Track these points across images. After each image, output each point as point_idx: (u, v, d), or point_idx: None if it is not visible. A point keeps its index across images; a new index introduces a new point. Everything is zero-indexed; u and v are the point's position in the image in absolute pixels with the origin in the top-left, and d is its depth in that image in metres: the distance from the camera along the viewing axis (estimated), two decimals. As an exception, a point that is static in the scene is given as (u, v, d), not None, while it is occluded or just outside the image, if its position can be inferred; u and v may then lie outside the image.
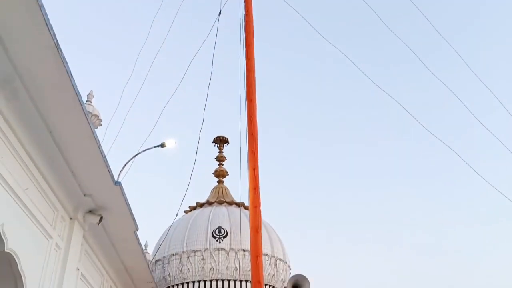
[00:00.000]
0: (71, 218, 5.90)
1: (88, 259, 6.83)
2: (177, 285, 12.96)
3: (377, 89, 8.77)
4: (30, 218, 4.84)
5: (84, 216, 6.12)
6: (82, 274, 6.47)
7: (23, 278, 4.62)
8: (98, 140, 4.97)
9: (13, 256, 4.46)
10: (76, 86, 4.30)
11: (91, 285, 6.94)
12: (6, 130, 4.27)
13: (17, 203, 4.55)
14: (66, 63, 4.10)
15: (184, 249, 13.17)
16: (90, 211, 6.21)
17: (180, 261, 13.02)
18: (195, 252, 13.02)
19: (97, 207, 6.20)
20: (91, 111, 7.56)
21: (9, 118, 4.33)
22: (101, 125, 8.25)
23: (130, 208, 6.36)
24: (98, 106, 8.48)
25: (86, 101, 7.60)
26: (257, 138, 8.79)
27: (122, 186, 5.87)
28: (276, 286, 13.38)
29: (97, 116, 7.99)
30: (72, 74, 4.25)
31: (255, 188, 9.47)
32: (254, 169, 8.91)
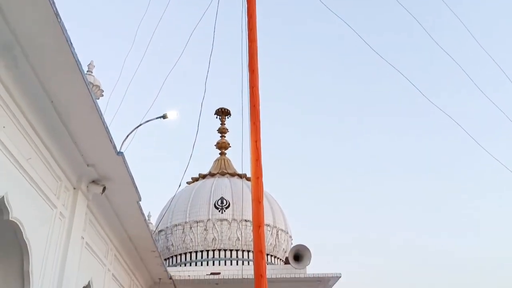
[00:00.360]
0: (74, 188, 5.94)
1: (93, 228, 6.91)
2: (180, 254, 13.19)
3: (382, 62, 8.66)
4: (33, 188, 4.87)
5: (87, 186, 6.16)
6: (86, 243, 6.56)
7: (28, 246, 4.68)
8: (100, 110, 4.95)
9: (18, 225, 4.52)
10: (76, 54, 4.26)
11: (96, 254, 7.05)
12: (7, 99, 4.25)
13: (20, 172, 4.57)
14: (66, 30, 4.04)
15: (187, 220, 13.33)
16: (93, 181, 6.25)
17: (183, 231, 13.20)
18: (197, 222, 13.18)
19: (100, 177, 6.23)
20: (92, 81, 7.51)
21: (9, 87, 4.30)
22: (102, 95, 8.21)
23: (133, 178, 6.39)
24: (99, 77, 8.43)
25: (87, 71, 7.55)
26: (259, 110, 8.74)
27: (124, 156, 5.88)
28: (277, 256, 13.60)
29: (98, 86, 7.94)
30: (72, 42, 4.20)
31: (257, 160, 9.49)
32: (256, 141, 8.90)
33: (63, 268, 5.48)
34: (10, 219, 4.38)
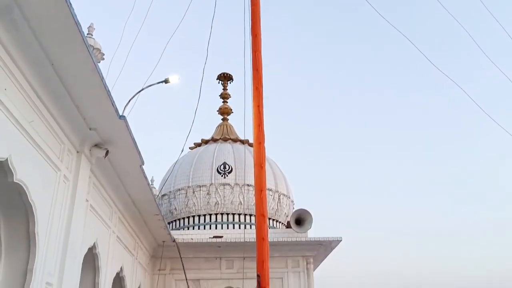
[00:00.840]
0: (77, 152, 5.98)
1: (96, 191, 7.00)
2: (183, 218, 13.38)
3: (390, 28, 8.52)
4: (37, 150, 4.91)
5: (90, 150, 6.20)
6: (91, 206, 6.66)
7: (33, 207, 4.76)
8: (101, 73, 4.92)
9: (22, 187, 4.57)
10: (76, 16, 4.19)
11: (100, 216, 7.17)
12: (7, 61, 4.22)
13: (23, 135, 4.59)
14: (65, -9, 3.96)
15: (190, 184, 13.46)
16: (96, 145, 6.28)
17: (186, 196, 13.35)
18: (200, 187, 13.31)
19: (103, 141, 6.26)
20: (92, 44, 7.42)
21: (10, 50, 4.26)
22: (103, 59, 8.14)
23: (135, 142, 6.42)
24: (99, 41, 8.33)
25: (87, 33, 7.45)
26: (261, 74, 8.67)
27: (126, 120, 5.89)
28: (279, 220, 13.80)
29: (99, 49, 7.86)
30: (71, 3, 4.13)
31: (259, 125, 9.49)
32: (258, 106, 8.87)
33: (69, 230, 5.59)
34: (15, 181, 4.44)
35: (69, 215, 5.66)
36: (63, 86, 5.07)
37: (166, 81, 11.44)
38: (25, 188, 4.60)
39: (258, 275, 8.62)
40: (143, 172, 7.43)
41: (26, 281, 4.68)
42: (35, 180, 4.82)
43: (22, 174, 4.51)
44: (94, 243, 6.82)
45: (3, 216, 4.89)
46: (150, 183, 9.90)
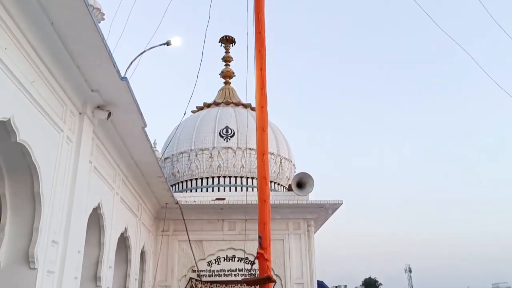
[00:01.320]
0: (80, 113, 5.97)
1: (100, 153, 7.04)
2: (186, 181, 13.52)
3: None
4: (39, 111, 4.90)
5: (92, 112, 6.19)
6: (95, 167, 6.72)
7: (37, 168, 4.80)
8: (101, 32, 4.84)
9: (26, 147, 4.60)
10: (75, -28, 4.09)
11: (104, 178, 7.24)
12: (7, 19, 4.15)
13: (25, 95, 4.58)
14: None
15: (192, 147, 13.53)
16: (99, 107, 6.26)
17: (188, 159, 13.44)
18: (203, 150, 13.37)
19: (105, 103, 6.24)
20: (92, 3, 7.28)
21: (9, 8, 4.18)
22: (103, 19, 8.01)
23: (138, 104, 6.40)
24: (100, 1, 8.17)
25: (87, -7, 7.29)
26: (264, 37, 8.53)
27: (128, 81, 5.85)
28: (281, 183, 13.93)
29: (98, 9, 7.72)
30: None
31: (262, 88, 9.43)
32: (261, 69, 8.78)
33: (73, 190, 5.66)
34: (18, 141, 4.46)
35: (73, 175, 5.71)
36: (63, 46, 5.01)
37: (168, 44, 11.30)
38: (28, 149, 4.62)
39: (259, 237, 8.78)
40: (146, 135, 7.45)
41: (32, 240, 4.78)
42: (38, 141, 4.85)
43: (25, 134, 4.52)
44: (99, 203, 6.92)
45: (8, 176, 4.94)
46: (153, 146, 9.96)
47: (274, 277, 9.17)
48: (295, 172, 14.01)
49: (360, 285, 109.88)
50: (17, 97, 4.46)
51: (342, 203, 11.70)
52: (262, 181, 9.26)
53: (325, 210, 12.08)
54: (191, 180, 13.37)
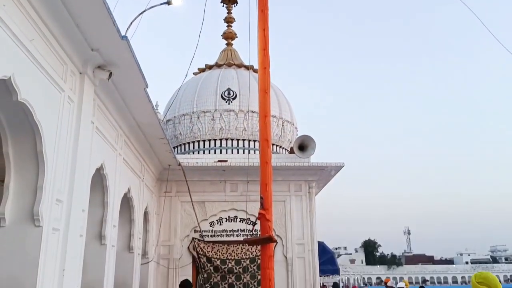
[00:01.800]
0: (80, 73, 5.92)
1: (102, 114, 7.03)
2: (188, 143, 13.57)
3: None
4: (40, 70, 4.86)
5: (93, 72, 6.13)
6: (97, 128, 6.73)
7: (39, 127, 4.80)
8: (101, -11, 4.73)
9: (27, 106, 4.59)
10: None
11: (107, 138, 7.26)
12: (3, -25, 4.05)
13: (25, 53, 4.53)
14: None
15: (194, 110, 13.50)
16: (99, 67, 6.20)
17: (190, 121, 13.43)
18: (205, 112, 13.35)
19: (106, 63, 6.18)
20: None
21: (4, -37, 4.07)
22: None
23: (139, 65, 6.33)
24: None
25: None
26: (267, -4, 8.34)
27: (129, 40, 5.76)
28: (283, 146, 13.97)
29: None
30: None
31: (264, 49, 9.31)
32: (264, 29, 8.64)
33: (76, 150, 5.69)
34: (19, 100, 4.44)
35: (76, 135, 5.72)
36: (61, 3, 4.91)
37: (168, 3, 11.06)
38: (30, 108, 4.61)
39: (261, 197, 8.89)
40: (147, 95, 7.41)
41: (36, 198, 4.85)
42: (40, 100, 4.83)
43: (26, 93, 4.50)
44: (102, 164, 6.97)
45: (10, 136, 4.96)
46: (155, 108, 9.93)
47: (275, 237, 9.36)
48: (297, 135, 14.04)
49: (360, 247, 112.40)
50: (17, 55, 4.41)
51: (343, 166, 11.77)
52: (264, 143, 9.30)
53: (326, 173, 12.17)
54: (193, 142, 13.41)
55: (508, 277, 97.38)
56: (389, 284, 14.00)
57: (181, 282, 8.47)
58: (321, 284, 15.85)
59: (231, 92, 13.49)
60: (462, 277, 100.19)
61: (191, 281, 10.35)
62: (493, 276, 3.61)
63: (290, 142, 13.82)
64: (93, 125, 6.53)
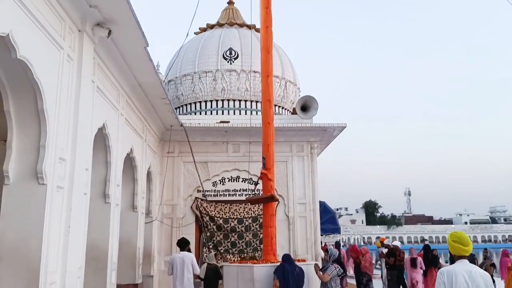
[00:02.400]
0: (79, 31, 5.81)
1: (102, 73, 6.96)
2: (190, 104, 13.51)
3: None
4: (38, 27, 4.77)
5: (92, 29, 6.02)
6: (97, 87, 6.67)
7: (39, 85, 4.76)
8: None
9: (26, 64, 4.53)
10: None
11: (108, 98, 7.22)
12: None
13: (22, 10, 4.42)
14: None
15: (196, 70, 13.36)
16: (98, 24, 6.08)
17: (192, 81, 13.31)
18: (206, 73, 13.21)
19: (105, 20, 6.06)
20: None
21: None
22: None
23: (138, 22, 6.21)
24: None
25: None
26: (270, -49, 8.11)
27: (128, -4, 5.62)
28: (285, 107, 13.90)
29: None
30: None
31: (267, 7, 9.13)
32: (266, -14, 8.43)
33: (77, 109, 5.66)
34: (18, 57, 4.38)
35: (76, 94, 5.68)
36: (58, -44, 4.77)
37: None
38: (29, 65, 4.56)
39: (263, 157, 8.95)
40: (148, 54, 7.31)
41: (39, 156, 4.86)
42: (39, 58, 4.76)
43: (25, 50, 4.44)
44: (103, 123, 6.96)
45: (11, 94, 4.92)
46: (156, 68, 9.82)
47: (277, 196, 9.46)
48: (299, 95, 13.93)
49: (361, 207, 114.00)
50: (15, 11, 4.32)
51: (346, 126, 11.75)
52: (266, 103, 9.27)
53: (329, 133, 12.17)
54: (195, 103, 13.34)
55: (506, 237, 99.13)
56: (385, 242, 14.30)
57: (178, 240, 8.58)
58: (323, 244, 16.10)
59: (233, 52, 13.30)
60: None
61: (190, 239, 10.55)
62: (466, 235, 4.08)
63: (293, 103, 13.74)
64: (93, 84, 6.47)
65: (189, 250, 8.29)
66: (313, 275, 7.61)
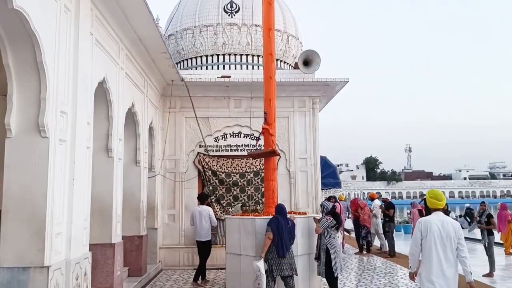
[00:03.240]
0: (76, -20, 5.66)
1: (101, 26, 6.82)
2: (191, 58, 13.34)
3: None
4: (33, -24, 4.64)
5: (89, -21, 5.86)
6: (96, 40, 6.56)
7: (37, 37, 4.68)
8: None
9: (23, 14, 4.44)
10: None
11: (108, 52, 7.11)
12: None
13: (15, -43, 4.29)
14: None
15: (196, 24, 13.11)
16: (95, -26, 5.92)
17: (192, 36, 13.09)
18: (207, 26, 12.97)
19: (102, -30, 5.88)
20: None
21: None
22: None
23: (136, -28, 6.03)
24: None
25: None
26: None
27: None
28: (287, 62, 13.73)
29: None
30: None
31: (268, -43, 8.81)
32: None
33: (77, 62, 5.60)
34: (15, 7, 4.28)
35: (75, 46, 5.61)
36: None
37: None
38: (26, 16, 4.46)
39: (265, 112, 8.93)
40: (147, 6, 7.14)
41: (40, 109, 4.86)
42: (35, 8, 4.65)
43: (20, 0, 4.33)
44: (104, 77, 6.90)
45: (10, 47, 4.86)
46: (156, 21, 9.62)
47: (278, 151, 9.51)
48: (301, 50, 13.71)
49: (361, 164, 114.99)
50: (7, -42, 4.18)
51: (348, 81, 11.64)
52: (268, 57, 9.14)
53: (331, 88, 12.07)
54: (195, 57, 13.17)
55: (505, 192, 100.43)
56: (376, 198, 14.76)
57: (198, 195, 9.95)
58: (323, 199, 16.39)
59: (234, 5, 12.99)
60: (459, 192, 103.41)
61: (192, 194, 11.05)
62: (440, 192, 4.96)
63: (295, 58, 13.55)
64: (92, 36, 6.36)
65: (208, 204, 9.53)
66: (314, 228, 7.79)
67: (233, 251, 7.71)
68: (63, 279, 5.24)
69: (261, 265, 6.76)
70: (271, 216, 7.35)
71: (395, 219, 15.54)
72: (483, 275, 9.79)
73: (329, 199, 12.95)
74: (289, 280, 6.91)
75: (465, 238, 17.17)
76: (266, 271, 6.77)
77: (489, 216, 10.58)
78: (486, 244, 10.31)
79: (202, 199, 9.47)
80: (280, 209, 7.27)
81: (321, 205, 8.03)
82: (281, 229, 6.91)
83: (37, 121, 4.83)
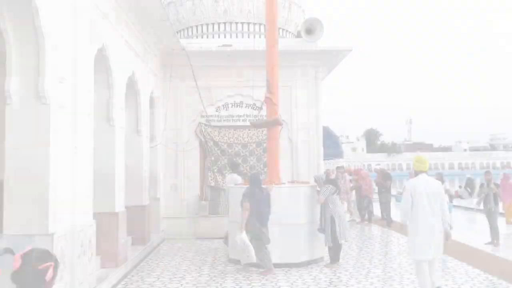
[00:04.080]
0: None
1: (99, -9, 6.63)
2: (191, 27, 13.10)
3: None
4: None
5: None
6: (96, 5, 6.37)
7: (35, 1, 4.56)
8: None
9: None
10: None
11: (107, 18, 6.94)
12: None
13: None
14: None
15: (196, -9, 12.77)
16: None
17: (193, 4, 12.82)
18: (207, -7, 12.65)
19: None
20: None
21: None
22: None
23: None
24: None
25: None
26: None
27: None
28: (289, 30, 13.48)
29: None
30: None
31: None
32: None
33: (75, 27, 5.48)
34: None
35: (73, 12, 5.46)
36: None
37: None
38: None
39: (267, 81, 8.82)
40: (146, -30, 6.94)
41: (39, 76, 4.77)
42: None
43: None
44: (103, 44, 6.75)
45: (7, 12, 4.73)
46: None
47: (281, 121, 9.44)
48: (304, 18, 13.44)
49: (362, 136, 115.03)
50: None
51: (351, 50, 11.46)
52: (270, 25, 8.95)
53: (333, 57, 11.89)
54: (196, 26, 12.92)
55: (505, 163, 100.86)
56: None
57: (230, 162, 10.63)
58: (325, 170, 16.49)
59: (235, -29, 12.64)
60: (459, 164, 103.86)
61: (194, 163, 11.07)
62: (424, 157, 5.97)
63: (297, 27, 13.29)
64: (91, 2, 6.19)
65: (238, 173, 9.72)
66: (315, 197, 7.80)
67: (235, 219, 7.76)
68: (68, 246, 5.26)
69: (245, 237, 6.79)
70: (273, 185, 7.34)
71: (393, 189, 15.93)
72: (485, 243, 9.87)
73: (337, 169, 13.17)
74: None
75: (466, 208, 17.22)
76: (251, 241, 6.82)
77: (497, 185, 10.67)
78: (493, 209, 10.08)
79: (234, 167, 10.09)
80: (254, 179, 7.27)
81: (315, 179, 8.06)
82: (258, 198, 6.93)
83: (37, 88, 4.75)
